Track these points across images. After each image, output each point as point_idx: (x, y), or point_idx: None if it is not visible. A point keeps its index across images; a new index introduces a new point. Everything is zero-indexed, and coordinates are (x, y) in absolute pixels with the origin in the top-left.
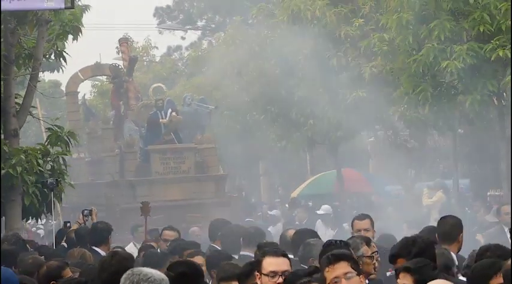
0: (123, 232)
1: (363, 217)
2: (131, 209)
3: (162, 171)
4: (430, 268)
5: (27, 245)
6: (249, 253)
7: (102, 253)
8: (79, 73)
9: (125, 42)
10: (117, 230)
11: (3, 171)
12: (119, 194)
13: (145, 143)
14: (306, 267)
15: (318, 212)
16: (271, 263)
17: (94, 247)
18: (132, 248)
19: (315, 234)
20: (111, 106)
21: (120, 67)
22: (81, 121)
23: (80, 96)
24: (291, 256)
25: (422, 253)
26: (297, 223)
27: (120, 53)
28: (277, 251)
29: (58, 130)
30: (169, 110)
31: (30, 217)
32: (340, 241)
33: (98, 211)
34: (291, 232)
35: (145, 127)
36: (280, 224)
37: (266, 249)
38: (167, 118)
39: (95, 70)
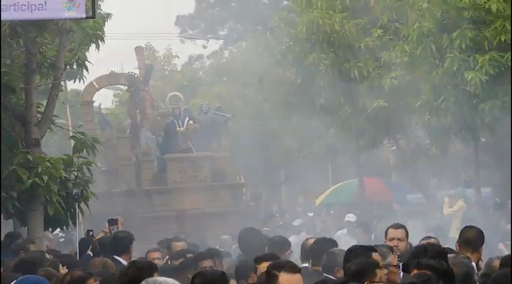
0: (140, 242)
1: (398, 226)
2: (148, 218)
3: (179, 180)
4: (434, 281)
5: (48, 254)
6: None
7: (124, 262)
8: (94, 83)
9: (141, 51)
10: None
11: (29, 181)
12: (136, 203)
13: (162, 152)
14: (330, 276)
15: (348, 219)
16: (289, 281)
17: (116, 256)
18: None
19: (334, 243)
20: (128, 115)
21: (136, 76)
22: (96, 130)
23: (95, 105)
24: (305, 265)
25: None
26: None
27: (146, 60)
28: (295, 267)
29: (82, 137)
30: (187, 118)
31: (58, 228)
32: (365, 246)
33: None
34: (311, 241)
35: (162, 135)
36: (304, 233)
37: (282, 263)
38: (184, 127)
39: (110, 79)
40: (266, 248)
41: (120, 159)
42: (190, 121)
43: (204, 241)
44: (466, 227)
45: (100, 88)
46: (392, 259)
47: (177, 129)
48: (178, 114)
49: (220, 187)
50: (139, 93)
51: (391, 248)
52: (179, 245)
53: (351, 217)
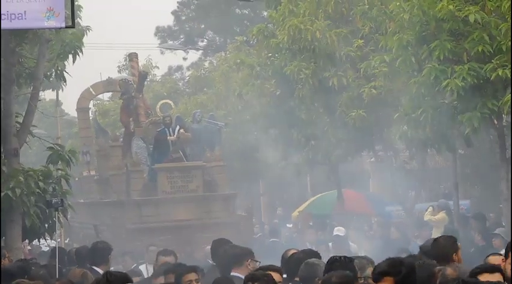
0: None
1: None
2: (137, 229)
3: (170, 190)
4: None
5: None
6: (238, 274)
7: (102, 272)
8: (91, 89)
9: (135, 57)
10: (123, 252)
11: (2, 193)
12: (125, 214)
13: (153, 161)
14: None
15: (337, 233)
16: None
17: (94, 267)
18: (144, 270)
19: (318, 255)
20: (121, 122)
21: (130, 82)
22: (92, 137)
23: (91, 113)
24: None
25: (409, 273)
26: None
27: (127, 70)
28: (270, 281)
29: (59, 149)
30: (178, 127)
31: (35, 239)
32: (345, 257)
33: (104, 231)
34: (291, 253)
35: (152, 144)
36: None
37: (257, 275)
38: (175, 136)
39: (107, 86)
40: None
41: (111, 168)
42: (182, 130)
43: (191, 254)
44: (434, 240)
45: (97, 95)
46: (371, 271)
47: (168, 137)
48: (169, 122)
49: (212, 198)
50: (133, 100)
51: (370, 261)
52: (166, 260)
53: (340, 231)
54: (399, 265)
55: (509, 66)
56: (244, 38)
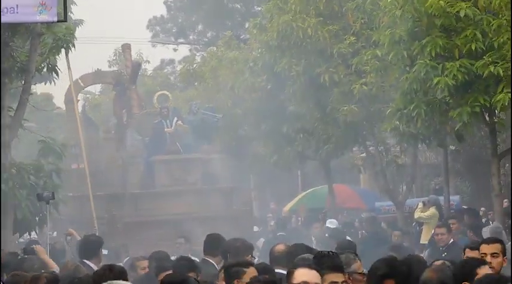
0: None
1: (492, 240)
2: (134, 223)
3: (167, 183)
4: None
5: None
6: None
7: (93, 266)
8: (79, 81)
9: (128, 48)
10: (120, 246)
11: None
12: (121, 207)
13: (149, 153)
14: None
15: (328, 225)
16: (304, 275)
17: (85, 260)
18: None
19: (310, 250)
20: (114, 114)
21: (123, 74)
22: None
23: (80, 105)
24: (283, 272)
25: (409, 273)
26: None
27: (118, 64)
28: (311, 265)
29: (51, 142)
30: (175, 119)
31: (26, 232)
32: (333, 252)
33: (100, 225)
34: (280, 247)
35: (149, 136)
36: (263, 239)
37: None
38: (172, 128)
39: (96, 77)
40: (228, 254)
41: (105, 161)
42: (179, 122)
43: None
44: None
45: (86, 87)
46: (357, 266)
47: (165, 129)
48: (166, 114)
49: (211, 191)
50: (126, 92)
51: (355, 256)
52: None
53: (333, 223)
54: (399, 265)
55: (501, 63)
56: (231, 32)
